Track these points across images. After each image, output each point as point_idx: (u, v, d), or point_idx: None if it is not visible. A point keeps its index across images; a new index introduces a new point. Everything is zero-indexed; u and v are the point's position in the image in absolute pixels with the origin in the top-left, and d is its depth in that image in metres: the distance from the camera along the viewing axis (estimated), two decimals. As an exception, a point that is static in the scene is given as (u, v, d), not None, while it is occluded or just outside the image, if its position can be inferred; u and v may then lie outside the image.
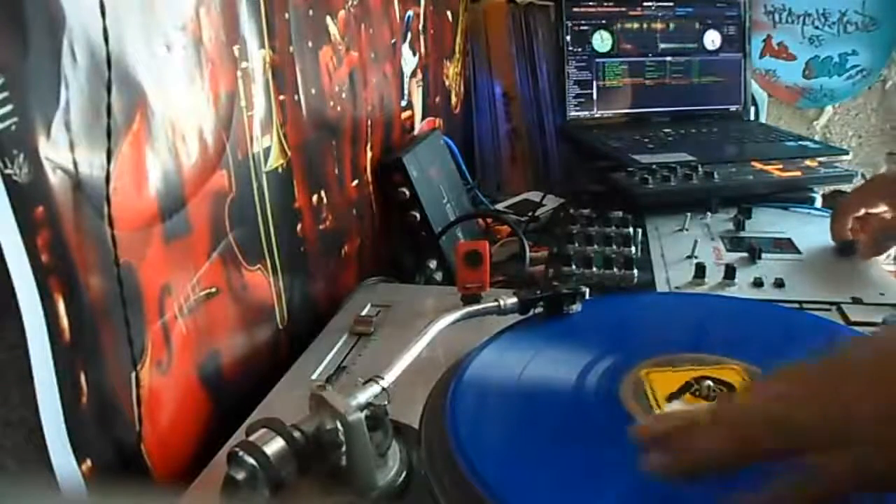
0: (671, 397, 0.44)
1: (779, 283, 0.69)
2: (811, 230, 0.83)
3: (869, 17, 1.43)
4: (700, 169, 0.94)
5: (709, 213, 0.90)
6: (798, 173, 0.95)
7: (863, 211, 0.76)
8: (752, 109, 1.34)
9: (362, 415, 0.38)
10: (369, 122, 0.83)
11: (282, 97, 0.62)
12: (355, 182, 0.80)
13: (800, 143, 1.14)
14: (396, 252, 0.89)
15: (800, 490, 0.31)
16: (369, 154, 0.84)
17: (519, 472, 0.39)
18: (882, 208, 0.76)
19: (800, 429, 0.31)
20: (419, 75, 1.03)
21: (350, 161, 0.78)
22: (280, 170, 0.62)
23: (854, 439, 0.30)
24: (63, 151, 0.37)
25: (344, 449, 0.38)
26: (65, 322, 0.37)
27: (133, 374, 0.43)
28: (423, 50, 1.04)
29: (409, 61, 0.98)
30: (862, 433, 0.30)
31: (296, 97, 0.65)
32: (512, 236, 0.94)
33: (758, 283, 0.69)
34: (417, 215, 0.84)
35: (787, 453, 0.31)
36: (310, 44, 0.67)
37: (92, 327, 0.40)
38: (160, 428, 0.46)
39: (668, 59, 1.30)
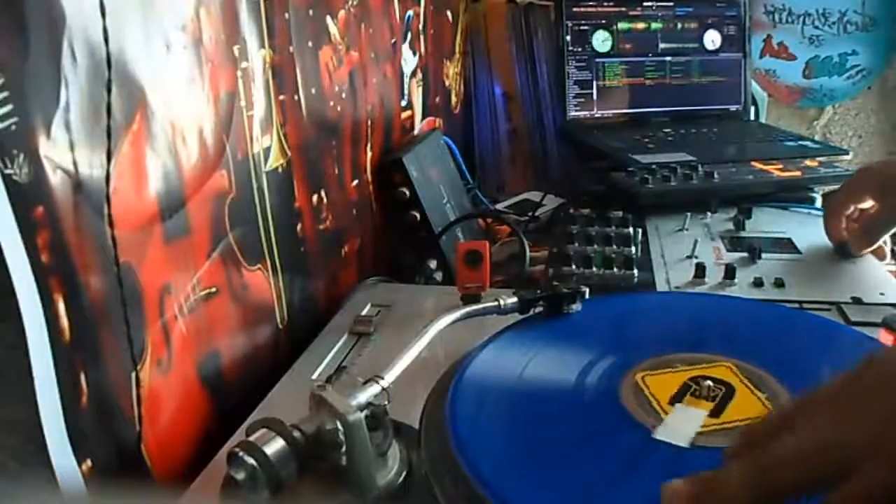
0: (673, 400, 0.44)
1: (779, 283, 0.69)
2: (811, 230, 0.83)
3: (869, 17, 1.43)
4: (700, 169, 0.93)
5: (709, 213, 0.90)
6: (798, 173, 0.95)
7: (853, 207, 0.76)
8: (752, 109, 1.34)
9: (362, 415, 0.38)
10: (369, 122, 0.83)
11: (282, 97, 0.62)
12: (355, 182, 0.80)
13: (800, 143, 1.14)
14: (396, 252, 0.89)
15: None
16: (369, 154, 0.84)
17: (519, 471, 0.39)
18: (869, 202, 0.75)
19: (822, 459, 0.31)
20: (419, 75, 1.03)
21: (350, 161, 0.78)
22: (280, 170, 0.62)
23: (871, 455, 0.30)
24: (63, 151, 0.37)
25: (344, 449, 0.38)
26: (65, 322, 0.37)
27: (133, 374, 0.43)
28: (423, 50, 1.04)
29: (409, 61, 0.98)
30: (876, 447, 0.30)
31: (296, 97, 0.65)
32: (512, 236, 0.94)
33: (758, 283, 0.69)
34: (417, 215, 0.84)
35: (814, 487, 0.31)
36: (310, 44, 0.67)
37: (92, 327, 0.40)
38: (160, 428, 0.46)
39: (668, 59, 1.30)
